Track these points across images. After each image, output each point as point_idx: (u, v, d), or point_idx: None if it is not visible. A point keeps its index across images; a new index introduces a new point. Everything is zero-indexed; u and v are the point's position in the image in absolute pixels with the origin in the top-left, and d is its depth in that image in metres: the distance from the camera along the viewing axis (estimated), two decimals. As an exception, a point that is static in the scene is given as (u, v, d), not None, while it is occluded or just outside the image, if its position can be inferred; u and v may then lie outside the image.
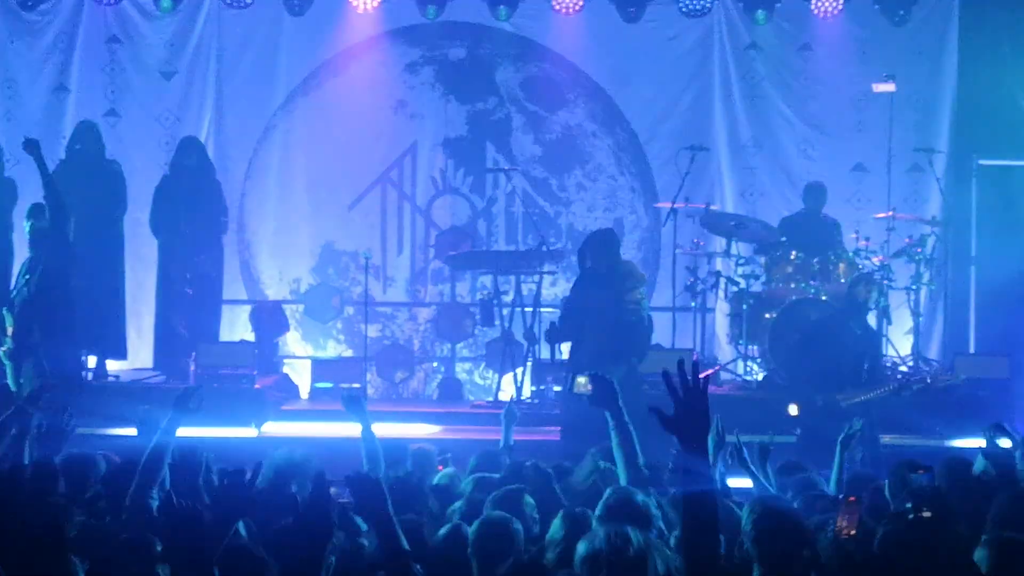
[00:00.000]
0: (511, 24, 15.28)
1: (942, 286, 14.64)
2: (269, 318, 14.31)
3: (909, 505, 5.41)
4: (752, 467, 7.55)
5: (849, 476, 8.08)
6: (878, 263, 13.55)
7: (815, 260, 13.38)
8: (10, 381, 11.50)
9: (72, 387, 11.39)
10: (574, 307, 11.17)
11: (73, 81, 14.89)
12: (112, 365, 13.42)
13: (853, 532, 5.48)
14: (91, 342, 12.80)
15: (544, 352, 13.83)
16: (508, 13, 15.11)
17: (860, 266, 13.48)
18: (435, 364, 15.13)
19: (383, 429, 8.78)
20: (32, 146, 11.71)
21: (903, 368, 13.58)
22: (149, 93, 15.04)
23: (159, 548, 5.29)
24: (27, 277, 11.63)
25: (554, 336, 11.75)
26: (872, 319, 12.55)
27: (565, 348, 11.81)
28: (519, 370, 13.17)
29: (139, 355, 13.97)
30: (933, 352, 14.59)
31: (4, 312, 11.65)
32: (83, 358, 12.76)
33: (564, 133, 15.44)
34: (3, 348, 11.57)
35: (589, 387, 6.30)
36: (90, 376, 12.93)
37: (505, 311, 13.57)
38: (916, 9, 15.06)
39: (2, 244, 12.97)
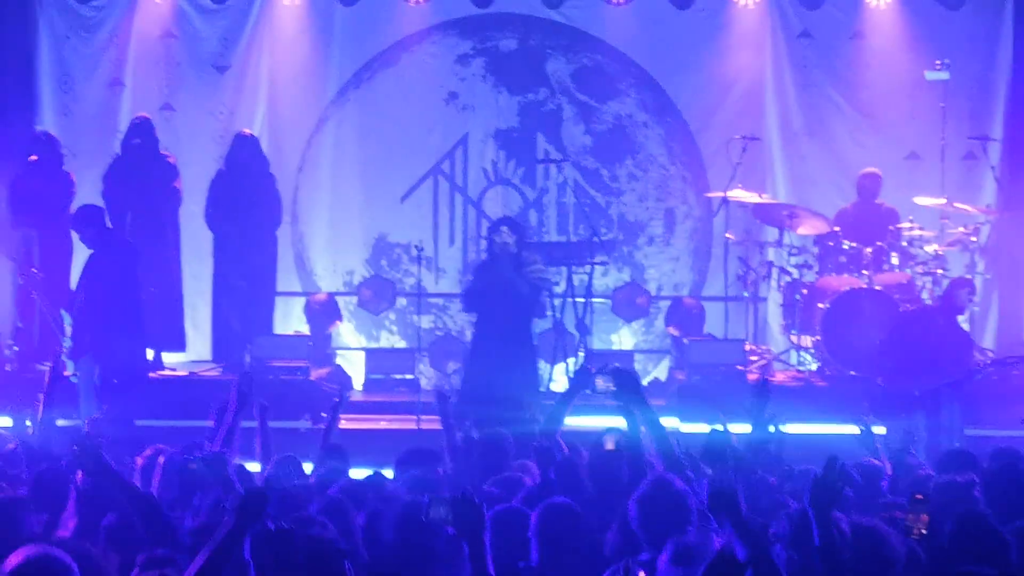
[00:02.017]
0: (562, 14, 15.29)
1: (996, 276, 14.55)
2: (323, 310, 14.40)
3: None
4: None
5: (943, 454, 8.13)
6: (932, 252, 13.48)
7: (868, 249, 13.33)
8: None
9: (135, 385, 11.48)
10: (482, 285, 11.46)
11: (128, 76, 14.98)
12: (169, 358, 13.55)
13: (924, 531, 5.48)
14: (149, 335, 12.90)
15: (596, 343, 13.90)
16: (558, 0, 15.14)
17: (914, 255, 13.44)
18: (487, 355, 15.15)
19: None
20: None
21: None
22: (203, 87, 15.13)
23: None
24: (91, 276, 11.69)
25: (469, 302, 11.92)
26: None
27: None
28: (570, 360, 13.20)
29: (195, 347, 14.09)
30: (988, 342, 14.50)
31: (62, 312, 11.77)
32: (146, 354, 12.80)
33: (615, 123, 15.43)
34: (64, 348, 11.70)
35: (610, 385, 6.31)
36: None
37: (556, 302, 13.58)
38: (970, -6, 14.98)
39: (61, 240, 13.09)
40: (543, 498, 6.32)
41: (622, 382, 6.32)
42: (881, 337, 12.69)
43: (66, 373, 10.55)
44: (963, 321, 13.01)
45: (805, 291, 13.48)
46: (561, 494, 6.54)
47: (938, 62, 14.24)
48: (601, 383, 6.45)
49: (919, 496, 5.61)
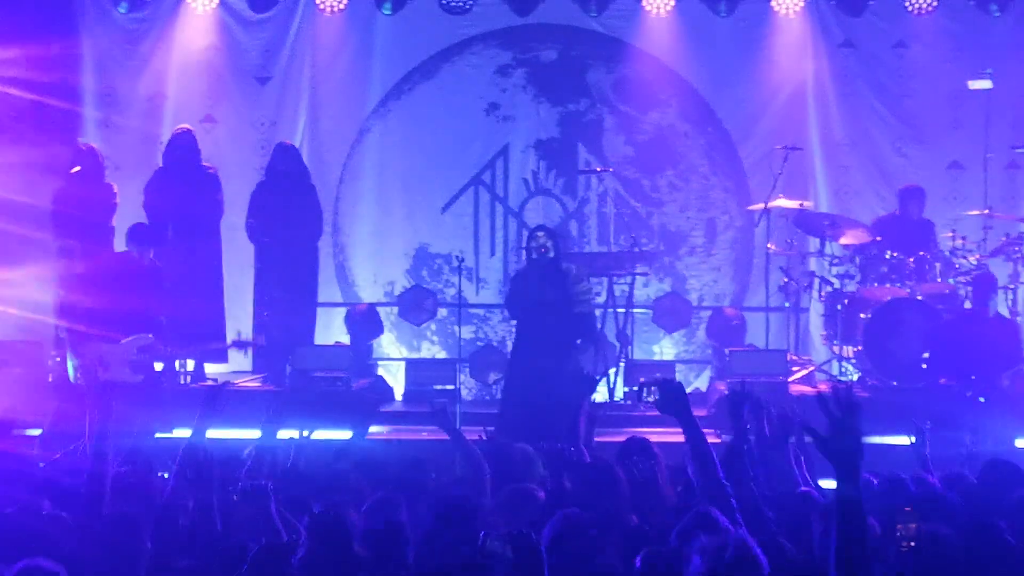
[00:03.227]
0: (602, 25, 15.28)
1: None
2: (364, 321, 14.42)
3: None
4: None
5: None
6: (975, 262, 13.39)
7: (910, 259, 13.26)
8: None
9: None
10: (522, 295, 11.47)
11: (170, 87, 15.05)
12: (211, 368, 13.58)
13: (912, 544, 5.49)
14: (190, 345, 12.95)
15: (637, 353, 13.88)
16: (598, 10, 15.12)
17: (957, 265, 13.35)
18: (528, 365, 15.13)
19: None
20: None
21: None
22: (244, 98, 15.20)
23: None
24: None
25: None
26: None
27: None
28: (612, 371, 13.18)
29: (236, 358, 14.11)
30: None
31: None
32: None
33: (656, 133, 15.40)
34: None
35: (656, 394, 6.26)
36: (188, 379, 13.10)
37: (597, 312, 13.58)
38: (1013, 2, 14.85)
39: (103, 252, 13.15)
40: (556, 506, 6.28)
41: (667, 393, 6.26)
42: (926, 348, 12.65)
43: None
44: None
45: (847, 301, 13.41)
46: (577, 503, 6.50)
47: (983, 71, 14.16)
48: (647, 394, 6.40)
49: (907, 508, 5.58)
